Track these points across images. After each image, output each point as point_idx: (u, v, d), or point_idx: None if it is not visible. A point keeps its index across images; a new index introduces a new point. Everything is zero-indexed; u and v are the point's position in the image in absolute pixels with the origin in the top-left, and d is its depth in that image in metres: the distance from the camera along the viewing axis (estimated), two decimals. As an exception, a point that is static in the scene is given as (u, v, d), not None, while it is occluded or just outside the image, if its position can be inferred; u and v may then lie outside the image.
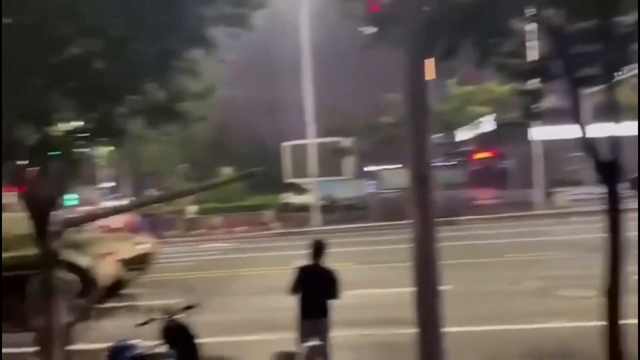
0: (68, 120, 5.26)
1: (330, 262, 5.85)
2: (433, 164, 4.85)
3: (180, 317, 5.28)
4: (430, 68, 4.40)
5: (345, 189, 30.59)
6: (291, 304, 5.67)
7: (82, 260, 9.62)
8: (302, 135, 28.53)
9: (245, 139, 47.41)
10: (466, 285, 9.42)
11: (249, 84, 39.28)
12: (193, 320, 5.15)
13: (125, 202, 24.06)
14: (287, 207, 32.56)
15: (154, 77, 5.16)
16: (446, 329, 5.09)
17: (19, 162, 5.04)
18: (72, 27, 4.73)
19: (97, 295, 10.05)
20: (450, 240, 9.05)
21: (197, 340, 5.23)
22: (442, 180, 24.69)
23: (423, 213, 4.56)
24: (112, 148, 5.78)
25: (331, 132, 30.09)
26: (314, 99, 27.56)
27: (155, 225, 24.18)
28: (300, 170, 27.82)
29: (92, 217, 14.08)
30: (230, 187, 37.85)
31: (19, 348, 8.16)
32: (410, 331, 5.12)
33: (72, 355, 5.93)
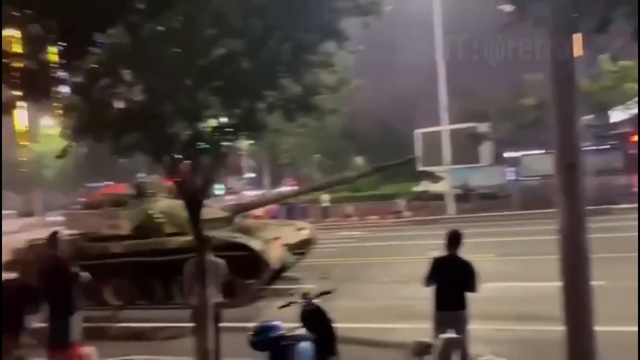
0: (215, 116, 5.71)
1: (468, 253, 5.68)
2: (583, 149, 4.45)
3: (319, 301, 5.50)
4: (577, 44, 4.02)
5: (483, 177, 29.23)
6: (426, 294, 5.60)
7: (255, 244, 10.18)
8: (436, 122, 27.80)
9: (377, 127, 47.52)
10: (621, 282, 8.51)
11: (379, 72, 39.21)
12: (333, 306, 5.31)
13: (264, 191, 25.46)
14: (420, 196, 32.09)
15: (290, 72, 5.38)
16: (597, 328, 4.67)
17: (174, 156, 5.60)
18: (216, 29, 5.11)
19: (268, 277, 10.72)
20: (603, 231, 8.24)
21: (334, 325, 5.41)
22: (594, 165, 22.49)
23: (571, 201, 4.20)
24: (253, 141, 6.21)
25: (467, 117, 28.87)
26: (447, 83, 26.68)
27: (291, 213, 25.31)
28: (434, 157, 27.12)
29: (260, 204, 15.09)
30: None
31: (167, 323, 9.21)
32: (556, 328, 4.79)
33: (221, 332, 6.48)
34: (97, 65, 4.88)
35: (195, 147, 5.54)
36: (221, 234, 10.40)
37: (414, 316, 8.34)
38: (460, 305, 5.46)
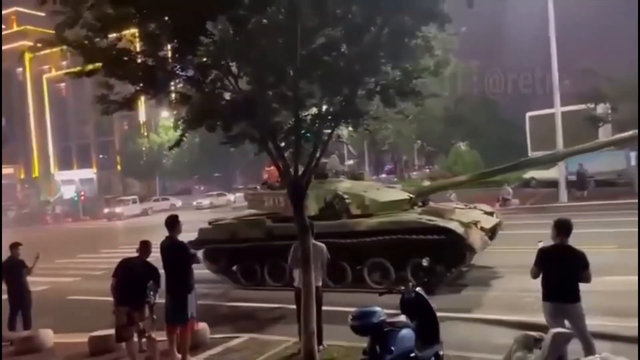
0: (316, 104, 5.83)
1: (583, 243, 5.33)
2: None
3: (420, 290, 5.45)
4: None
5: (602, 162, 26.94)
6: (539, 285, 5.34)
7: (457, 228, 9.53)
8: (549, 104, 26.01)
9: (483, 110, 45.47)
10: None
11: (486, 53, 37.43)
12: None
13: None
14: (529, 183, 30.32)
15: (390, 57, 5.33)
16: None
17: (278, 144, 5.80)
18: (318, 19, 5.19)
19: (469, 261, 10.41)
20: None
21: (436, 314, 5.34)
22: None
23: None
24: (353, 129, 6.22)
25: (583, 98, 26.71)
26: (560, 62, 24.81)
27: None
28: (547, 142, 25.44)
29: (439, 188, 14.29)
30: (466, 161, 36.86)
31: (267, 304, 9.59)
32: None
33: (322, 315, 6.66)
34: (206, 59, 5.16)
35: (298, 135, 5.69)
36: (414, 216, 10.28)
37: (523, 308, 7.99)
38: (571, 297, 5.16)
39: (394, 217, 10.45)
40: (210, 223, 12.48)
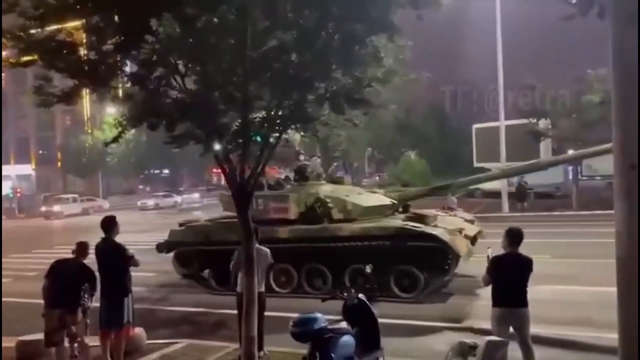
0: (265, 107, 5.76)
1: (523, 252, 5.53)
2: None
3: (362, 296, 5.47)
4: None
5: (542, 175, 28.11)
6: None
7: (444, 235, 9.28)
8: (494, 117, 26.94)
9: (433, 121, 46.64)
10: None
11: (437, 65, 38.45)
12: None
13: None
14: (473, 193, 31.24)
15: (340, 64, 5.34)
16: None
17: (224, 146, 5.69)
18: (269, 21, 5.14)
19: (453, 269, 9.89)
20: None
21: (378, 320, 5.37)
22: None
23: (631, 204, 3.95)
24: (303, 133, 6.17)
25: (526, 113, 27.85)
26: (506, 77, 25.79)
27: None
28: (491, 153, 26.33)
29: (425, 193, 13.51)
30: (415, 170, 37.68)
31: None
32: (610, 336, 4.56)
33: (263, 321, 6.58)
34: (151, 55, 5.01)
35: (245, 137, 5.61)
36: (399, 222, 10.01)
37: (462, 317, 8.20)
38: (522, 302, 5.36)
39: (378, 222, 10.23)
40: (181, 224, 11.98)
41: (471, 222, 11.75)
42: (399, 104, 31.46)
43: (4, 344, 7.74)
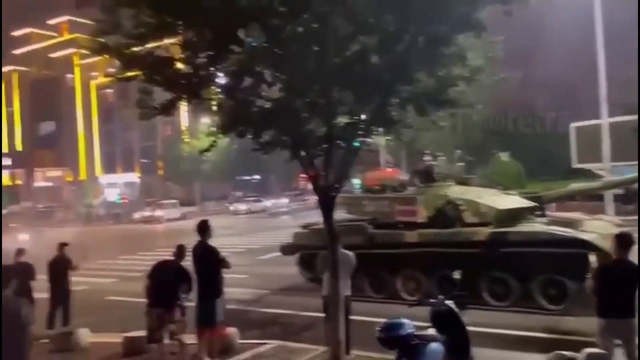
0: (347, 112, 5.80)
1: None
2: None
3: (451, 303, 5.31)
4: None
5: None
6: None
7: (596, 240, 8.48)
8: (595, 115, 25.12)
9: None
10: None
11: (529, 61, 36.62)
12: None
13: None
14: (573, 196, 29.20)
15: (424, 65, 5.27)
16: None
17: (309, 152, 5.80)
18: (351, 27, 5.19)
19: None
20: None
21: (467, 328, 5.19)
22: None
23: None
24: (388, 137, 6.12)
25: (631, 109, 25.74)
26: (607, 72, 23.98)
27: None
28: (593, 154, 24.53)
29: (564, 195, 12.64)
30: (508, 172, 35.99)
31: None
32: None
33: (350, 324, 6.59)
34: (238, 67, 5.22)
35: (329, 143, 5.68)
36: (542, 227, 9.32)
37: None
38: (631, 312, 4.97)
39: (517, 227, 9.40)
40: (304, 227, 11.89)
41: (619, 226, 10.48)
42: (488, 104, 30.32)
43: (112, 340, 8.40)
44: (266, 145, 5.80)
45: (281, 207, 47.00)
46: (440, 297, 5.34)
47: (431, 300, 5.31)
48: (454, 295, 5.23)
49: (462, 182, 11.24)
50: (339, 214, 12.46)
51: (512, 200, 10.49)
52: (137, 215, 44.11)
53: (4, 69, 66.92)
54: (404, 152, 37.52)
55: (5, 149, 66.30)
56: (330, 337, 6.00)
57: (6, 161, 63.06)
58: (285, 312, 10.06)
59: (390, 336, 4.52)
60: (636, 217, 21.53)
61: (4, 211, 23.56)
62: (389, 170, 14.73)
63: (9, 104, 68.05)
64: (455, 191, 10.33)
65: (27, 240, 17.49)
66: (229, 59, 5.32)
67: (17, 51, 67.41)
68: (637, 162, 25.39)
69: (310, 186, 7.83)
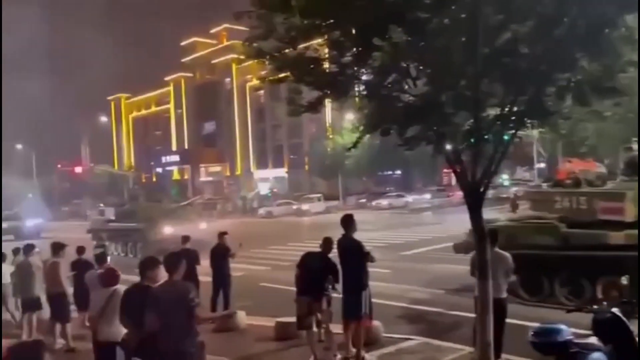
0: (498, 105, 5.53)
1: None
2: None
3: (617, 310, 4.83)
4: None
5: None
6: None
7: None
8: None
9: None
10: None
11: None
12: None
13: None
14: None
15: (586, 51, 4.82)
16: None
17: (456, 146, 5.64)
18: (503, 15, 4.94)
19: None
20: None
21: (636, 339, 4.68)
22: None
23: None
24: (542, 129, 5.64)
25: None
26: None
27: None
28: None
29: None
30: None
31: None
32: None
33: (504, 327, 6.29)
34: (383, 63, 5.26)
35: (477, 137, 5.48)
36: None
37: None
38: None
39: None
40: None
41: None
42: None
43: (266, 323, 9.04)
44: (411, 140, 5.77)
45: (423, 203, 46.18)
46: (605, 303, 4.89)
47: (594, 307, 4.88)
48: (622, 302, 4.75)
49: None
50: (525, 211, 11.39)
51: None
52: (261, 210, 46.35)
53: (174, 76, 75.52)
54: (559, 145, 34.60)
55: (173, 147, 74.79)
56: (478, 338, 5.80)
57: (174, 158, 71.14)
58: (431, 310, 9.94)
59: (546, 342, 4.25)
60: None
61: (182, 202, 26.46)
62: (583, 162, 13.04)
63: (178, 106, 76.38)
64: None
65: (205, 229, 19.77)
66: (373, 56, 5.40)
67: (185, 59, 75.32)
68: None
69: (454, 181, 7.52)
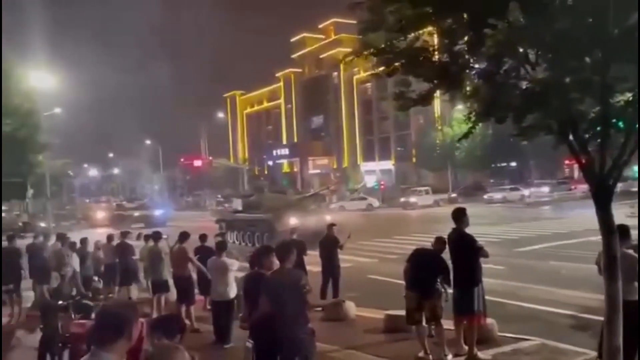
0: (630, 89, 5.03)
1: None
2: None
3: None
4: None
5: None
6: None
7: None
8: None
9: None
10: None
11: None
12: None
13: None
14: None
15: None
16: None
17: (580, 136, 5.22)
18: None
19: None
20: None
21: None
22: None
23: None
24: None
25: None
26: None
27: None
28: None
29: None
30: None
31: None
32: None
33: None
34: (499, 48, 5.00)
35: (605, 125, 5.03)
36: None
37: None
38: None
39: None
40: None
41: None
42: None
43: (374, 315, 9.09)
44: (528, 130, 5.43)
45: (541, 196, 43.45)
46: None
47: None
48: None
49: None
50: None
51: None
52: (333, 205, 44.35)
53: (284, 72, 78.07)
54: None
55: (283, 141, 77.41)
56: (606, 342, 5.35)
57: (284, 151, 73.64)
58: (547, 309, 9.37)
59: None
60: None
61: (306, 194, 26.95)
62: None
63: (288, 101, 78.90)
64: None
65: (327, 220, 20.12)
66: (487, 43, 5.15)
67: (294, 55, 77.49)
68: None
69: (577, 174, 6.90)
